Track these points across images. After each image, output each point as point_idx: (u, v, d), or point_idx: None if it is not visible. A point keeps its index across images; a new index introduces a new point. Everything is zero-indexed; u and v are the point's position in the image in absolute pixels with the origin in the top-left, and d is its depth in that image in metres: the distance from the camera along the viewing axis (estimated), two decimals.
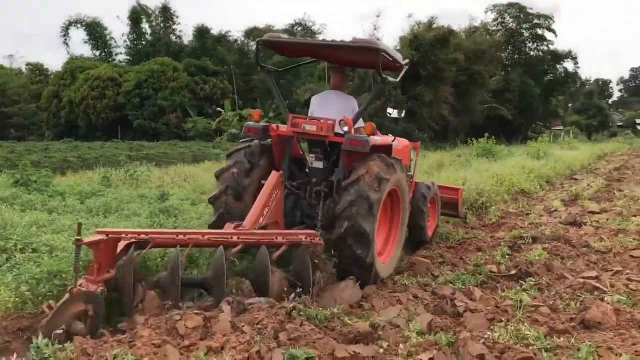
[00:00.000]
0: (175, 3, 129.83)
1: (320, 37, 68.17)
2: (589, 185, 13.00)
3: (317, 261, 4.71)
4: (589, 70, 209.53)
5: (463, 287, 4.84)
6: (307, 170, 5.95)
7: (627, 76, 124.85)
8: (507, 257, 5.89)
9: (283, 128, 5.79)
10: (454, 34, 40.73)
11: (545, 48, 53.95)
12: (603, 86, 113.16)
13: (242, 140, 5.96)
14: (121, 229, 4.53)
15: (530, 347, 3.47)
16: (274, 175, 5.35)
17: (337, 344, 3.40)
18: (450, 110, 36.41)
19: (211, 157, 20.75)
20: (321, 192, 5.63)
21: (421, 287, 4.82)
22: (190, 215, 6.97)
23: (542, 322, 3.92)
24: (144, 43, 59.63)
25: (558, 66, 55.48)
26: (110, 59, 60.08)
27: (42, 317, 3.60)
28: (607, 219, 8.32)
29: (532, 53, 54.12)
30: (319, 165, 5.79)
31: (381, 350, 3.43)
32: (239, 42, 60.31)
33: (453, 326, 3.96)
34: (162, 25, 60.47)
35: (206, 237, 4.52)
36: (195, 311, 3.99)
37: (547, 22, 52.99)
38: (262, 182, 5.44)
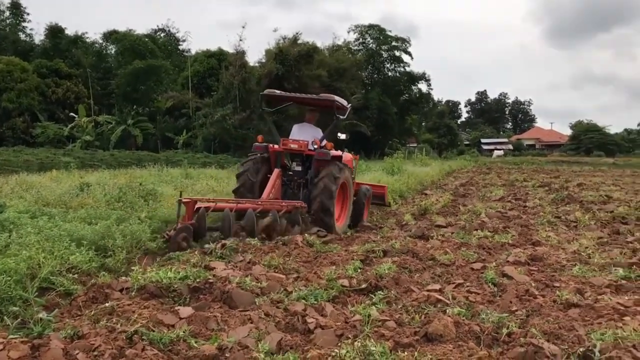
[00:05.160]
0: None
1: (185, 44, 66.43)
2: (437, 200, 13.83)
3: (303, 217, 8.59)
4: (441, 91, 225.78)
5: (315, 302, 4.82)
6: (290, 172, 9.64)
7: (473, 99, 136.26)
8: (358, 270, 5.98)
9: (276, 146, 9.46)
10: (318, 51, 41.74)
11: (402, 69, 57.23)
12: (453, 107, 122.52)
13: (250, 154, 9.70)
14: (197, 197, 8.09)
15: None
16: (276, 171, 9.19)
17: None
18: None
19: (60, 166, 19.20)
20: (300, 185, 9.45)
21: (274, 304, 4.72)
22: (27, 230, 6.30)
23: (388, 336, 4.00)
24: None
25: (413, 87, 59.10)
26: None
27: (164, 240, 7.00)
28: (452, 233, 8.86)
29: (389, 73, 57.14)
30: (299, 168, 9.61)
31: None
32: (96, 45, 57.13)
33: (303, 344, 3.91)
34: (8, 21, 55.60)
35: (244, 204, 8.06)
36: (21, 339, 3.61)
37: (403, 45, 56.28)
38: (268, 175, 9.26)
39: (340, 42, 53.44)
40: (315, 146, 9.33)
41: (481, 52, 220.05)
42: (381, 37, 55.59)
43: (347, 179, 9.50)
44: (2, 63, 41.79)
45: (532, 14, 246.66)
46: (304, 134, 9.72)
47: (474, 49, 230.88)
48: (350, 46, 55.18)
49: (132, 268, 5.52)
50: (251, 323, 4.21)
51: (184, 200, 7.15)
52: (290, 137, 9.74)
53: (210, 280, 5.10)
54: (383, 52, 56.15)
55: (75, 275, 5.48)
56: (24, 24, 56.29)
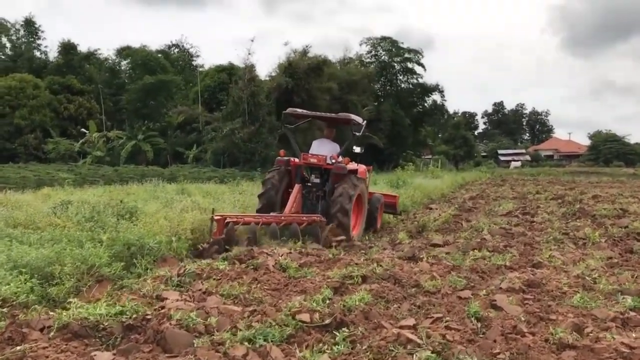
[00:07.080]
0: (40, 17, 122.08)
1: (199, 59, 66.67)
2: (439, 215, 13.02)
3: (321, 228, 8.87)
4: (457, 103, 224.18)
5: (265, 343, 4.12)
6: (309, 184, 10.29)
7: (490, 110, 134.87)
8: (327, 301, 5.24)
9: (296, 160, 10.28)
10: (328, 63, 41.22)
11: (415, 81, 56.36)
12: (469, 118, 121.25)
13: (274, 167, 10.45)
14: (227, 214, 8.90)
15: None
16: (297, 187, 9.91)
17: None
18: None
19: (57, 182, 18.72)
20: (319, 196, 10.12)
21: (213, 347, 4.03)
22: None
23: None
24: (2, 57, 54.97)
25: (427, 98, 58.13)
26: None
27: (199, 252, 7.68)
28: (447, 253, 8.07)
29: (402, 85, 56.31)
30: (317, 180, 10.25)
31: None
32: (109, 61, 57.41)
33: None
34: (23, 39, 56.15)
35: (269, 219, 8.79)
36: None
37: (416, 57, 55.50)
38: (289, 190, 10.16)
39: (352, 55, 52.92)
40: (333, 161, 10.09)
41: (497, 63, 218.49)
42: (393, 49, 54.87)
43: (363, 190, 10.29)
44: (15, 80, 42.09)
45: (548, 24, 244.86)
46: (323, 149, 10.52)
47: (489, 60, 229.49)
48: (363, 59, 54.59)
49: (70, 301, 4.91)
50: None
51: (215, 217, 8.26)
52: (310, 152, 10.47)
53: (148, 317, 4.45)
54: (395, 64, 55.37)
55: (5, 310, 4.86)
56: (38, 42, 56.86)
